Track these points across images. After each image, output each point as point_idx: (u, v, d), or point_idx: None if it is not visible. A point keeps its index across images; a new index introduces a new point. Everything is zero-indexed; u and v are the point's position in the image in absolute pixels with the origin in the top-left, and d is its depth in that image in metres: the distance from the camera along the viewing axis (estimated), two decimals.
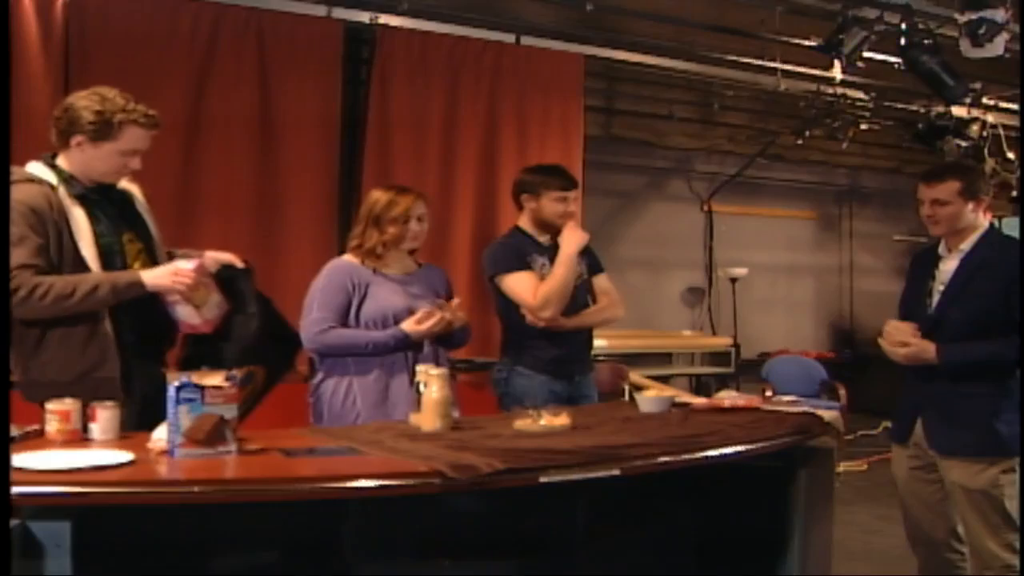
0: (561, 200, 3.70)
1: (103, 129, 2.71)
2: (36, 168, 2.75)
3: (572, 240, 3.60)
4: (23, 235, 2.62)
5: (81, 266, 2.70)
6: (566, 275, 3.55)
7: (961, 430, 3.11)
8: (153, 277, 2.75)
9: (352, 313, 3.24)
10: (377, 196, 3.36)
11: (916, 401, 3.23)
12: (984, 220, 3.22)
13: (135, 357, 2.77)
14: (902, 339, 3.16)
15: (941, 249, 3.26)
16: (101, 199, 2.82)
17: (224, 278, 2.98)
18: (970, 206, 3.16)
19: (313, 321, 3.22)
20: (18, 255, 2.60)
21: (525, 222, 3.77)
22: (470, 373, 4.83)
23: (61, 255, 2.68)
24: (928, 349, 3.10)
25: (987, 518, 3.07)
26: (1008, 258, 3.12)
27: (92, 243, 2.74)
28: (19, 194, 2.65)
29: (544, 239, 3.73)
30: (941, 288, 3.19)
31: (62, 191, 2.72)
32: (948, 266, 3.20)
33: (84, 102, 2.72)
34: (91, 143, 2.72)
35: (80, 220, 2.73)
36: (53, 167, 2.76)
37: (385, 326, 3.23)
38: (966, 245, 3.17)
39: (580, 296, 3.74)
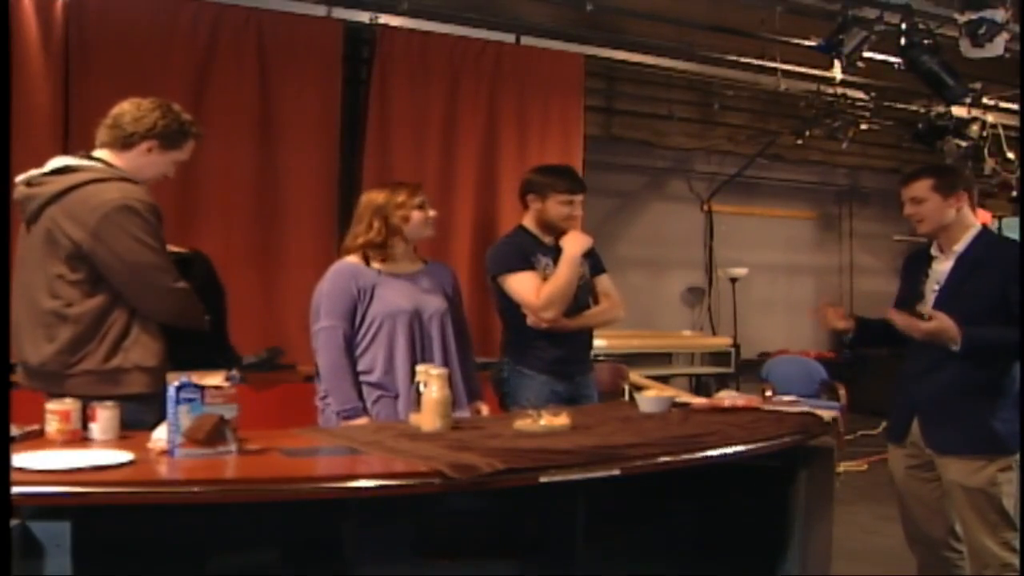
0: (567, 203, 3.69)
1: (178, 139, 2.83)
2: (83, 161, 2.76)
3: (576, 243, 3.60)
4: (162, 237, 2.72)
5: None
6: (569, 276, 3.54)
7: (958, 429, 3.11)
8: None
9: (359, 315, 3.23)
10: (376, 192, 3.36)
11: (911, 400, 3.24)
12: (975, 220, 3.23)
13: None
14: (925, 312, 3.10)
15: (933, 250, 3.27)
16: None
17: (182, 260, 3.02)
18: (949, 202, 3.18)
19: (323, 329, 3.21)
20: (166, 254, 2.72)
21: (529, 221, 3.76)
22: None
23: None
24: (951, 327, 3.01)
25: (985, 516, 3.08)
26: (1003, 257, 3.13)
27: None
28: (140, 194, 2.71)
29: (548, 240, 3.73)
30: (936, 288, 3.19)
31: None
32: (943, 266, 3.21)
33: (158, 112, 2.80)
34: (161, 150, 2.81)
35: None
36: (108, 165, 2.77)
37: (391, 326, 3.23)
38: (960, 246, 3.18)
39: (582, 297, 3.74)
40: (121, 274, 2.67)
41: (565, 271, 3.54)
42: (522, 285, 3.56)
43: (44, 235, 2.70)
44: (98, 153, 2.79)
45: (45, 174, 2.75)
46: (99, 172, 2.73)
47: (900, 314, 3.16)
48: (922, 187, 3.21)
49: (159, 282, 2.69)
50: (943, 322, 3.03)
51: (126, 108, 2.81)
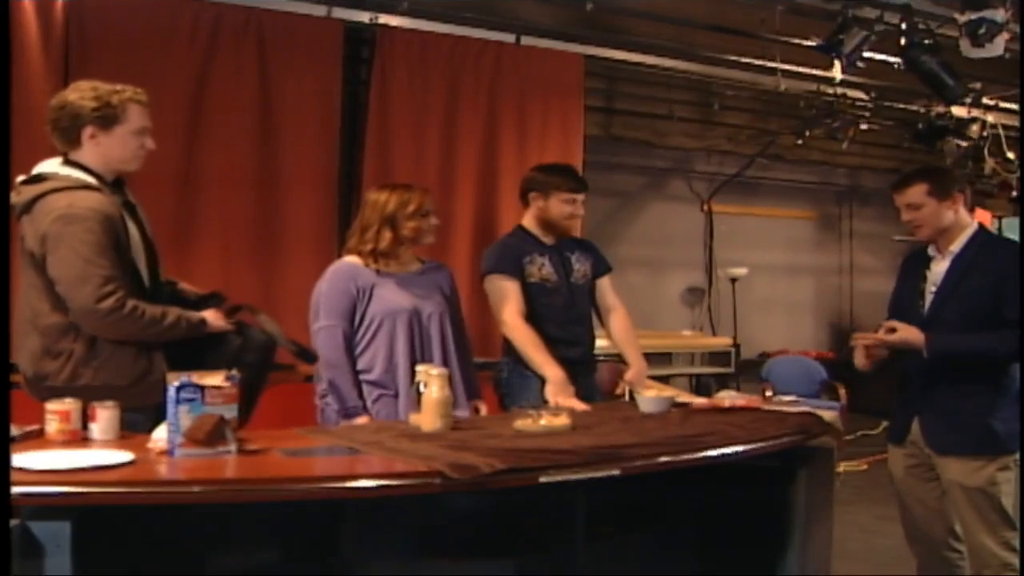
0: (570, 202, 3.69)
1: (108, 113, 2.72)
2: (58, 168, 2.73)
3: (559, 398, 3.33)
4: (104, 247, 2.61)
5: (137, 284, 2.73)
6: (528, 357, 3.46)
7: (958, 428, 3.11)
8: (214, 319, 2.84)
9: (358, 314, 3.23)
10: (385, 196, 3.33)
11: (912, 402, 3.24)
12: (971, 220, 3.23)
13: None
14: (888, 325, 3.16)
15: (931, 250, 3.28)
16: (131, 204, 2.84)
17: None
18: (945, 204, 3.18)
19: (323, 328, 3.21)
20: (103, 268, 2.59)
21: (529, 220, 3.76)
22: None
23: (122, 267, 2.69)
24: (915, 333, 3.09)
25: (984, 516, 3.08)
26: (997, 256, 3.13)
27: (144, 257, 2.78)
28: (90, 202, 2.64)
29: (548, 239, 3.73)
30: (933, 289, 3.20)
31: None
32: (939, 267, 3.21)
33: (75, 95, 2.72)
34: (102, 131, 2.72)
35: (134, 233, 2.76)
36: (83, 168, 2.73)
37: (391, 326, 3.23)
38: (955, 246, 3.19)
39: (581, 300, 3.74)
40: (56, 284, 2.62)
41: (534, 358, 3.44)
42: (501, 293, 3.56)
43: (21, 243, 2.70)
44: (72, 156, 2.75)
45: (22, 182, 2.74)
46: (62, 181, 2.68)
47: (865, 336, 3.23)
48: (917, 192, 3.21)
49: (78, 296, 2.59)
50: (903, 333, 3.11)
51: (52, 107, 2.76)
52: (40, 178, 2.71)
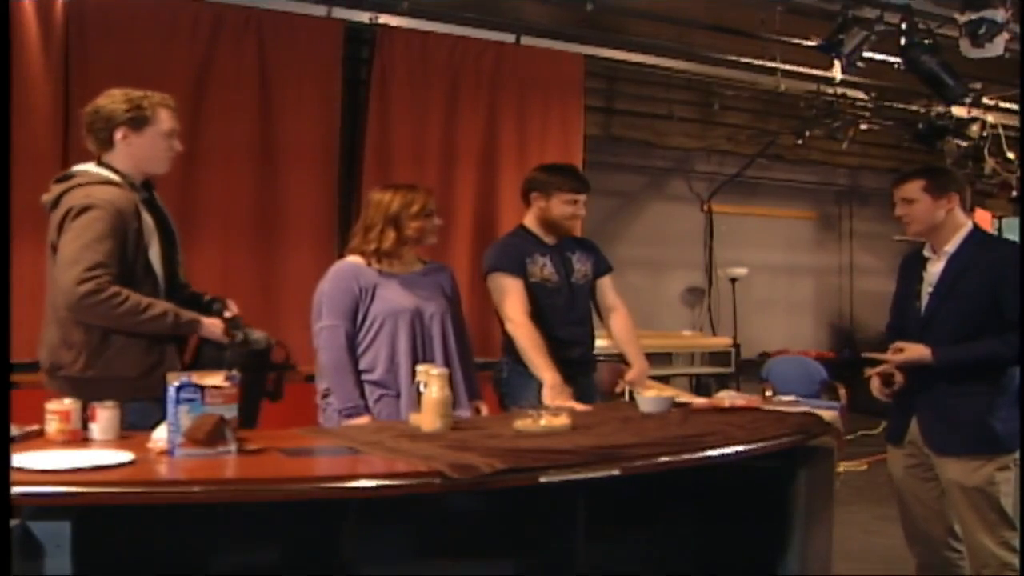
0: (571, 202, 3.69)
1: (139, 115, 2.83)
2: (88, 168, 2.82)
3: (555, 400, 3.32)
4: (104, 235, 2.67)
5: (149, 275, 2.79)
6: (528, 358, 3.45)
7: (957, 428, 3.12)
8: (209, 325, 2.87)
9: (360, 314, 3.24)
10: (389, 196, 3.32)
11: (911, 402, 3.24)
12: (966, 220, 3.23)
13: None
14: (895, 347, 3.17)
15: (926, 251, 3.28)
16: (156, 204, 2.91)
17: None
18: (939, 203, 3.19)
19: (325, 328, 3.21)
20: (97, 253, 2.64)
21: (531, 220, 3.76)
22: None
23: (132, 261, 2.74)
24: (923, 351, 3.11)
25: (984, 516, 3.08)
26: (993, 257, 3.14)
27: (159, 254, 2.84)
28: (105, 194, 2.72)
29: (549, 239, 3.73)
30: (930, 290, 3.20)
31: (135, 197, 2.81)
32: (935, 268, 3.22)
33: (106, 100, 2.83)
34: (134, 132, 2.82)
35: (151, 229, 2.83)
36: (112, 170, 2.82)
37: (393, 326, 3.23)
38: (950, 247, 3.19)
39: (580, 298, 3.74)
40: (56, 268, 2.70)
41: (533, 360, 3.42)
42: (505, 291, 3.56)
43: (48, 238, 2.78)
44: (104, 159, 2.85)
45: (54, 181, 2.84)
46: (85, 177, 2.78)
47: (874, 361, 3.25)
48: (913, 188, 3.23)
49: (64, 277, 2.64)
50: (910, 352, 3.13)
51: (87, 112, 2.86)
52: (69, 176, 2.82)
